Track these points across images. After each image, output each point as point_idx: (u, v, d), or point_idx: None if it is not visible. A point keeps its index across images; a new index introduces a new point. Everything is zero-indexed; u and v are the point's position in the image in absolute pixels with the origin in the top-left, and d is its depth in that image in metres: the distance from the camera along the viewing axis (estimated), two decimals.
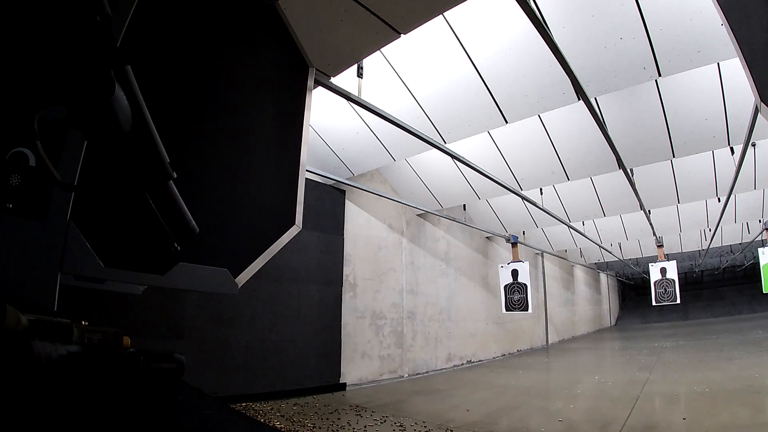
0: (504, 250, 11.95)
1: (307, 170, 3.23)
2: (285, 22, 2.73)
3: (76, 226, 1.49)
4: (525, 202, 8.10)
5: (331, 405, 5.55)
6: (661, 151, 6.05)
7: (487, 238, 11.54)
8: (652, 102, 5.42)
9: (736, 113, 5.12)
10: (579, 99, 4.40)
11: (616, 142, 5.31)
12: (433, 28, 4.33)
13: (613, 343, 15.09)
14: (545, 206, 8.15)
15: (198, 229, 1.33)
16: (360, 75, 4.39)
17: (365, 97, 4.26)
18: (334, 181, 6.89)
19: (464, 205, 9.81)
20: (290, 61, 2.84)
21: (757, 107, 2.28)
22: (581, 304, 18.48)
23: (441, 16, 4.19)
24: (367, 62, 4.48)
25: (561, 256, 15.24)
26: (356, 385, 6.95)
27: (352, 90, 4.02)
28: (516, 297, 9.32)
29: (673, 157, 6.13)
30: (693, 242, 14.97)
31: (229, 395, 5.14)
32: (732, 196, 7.23)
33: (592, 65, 4.30)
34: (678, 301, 10.68)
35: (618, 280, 26.18)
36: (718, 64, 4.78)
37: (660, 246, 10.80)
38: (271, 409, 5.14)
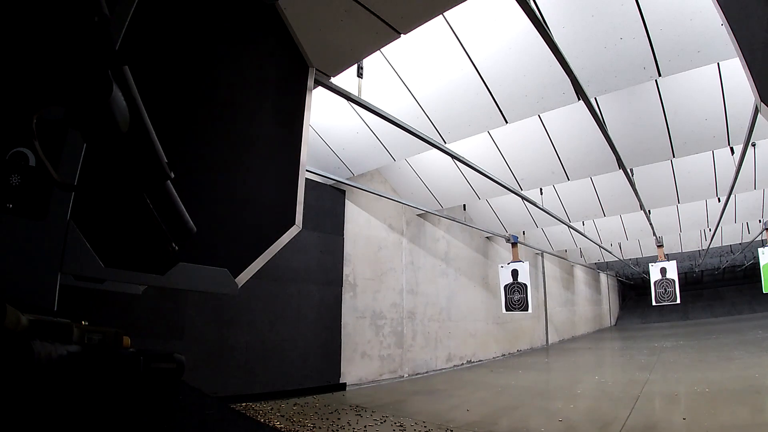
0: (504, 250, 11.95)
1: (307, 170, 3.23)
2: (285, 22, 2.73)
3: (76, 226, 1.49)
4: (525, 202, 8.10)
5: (331, 405, 5.55)
6: (661, 151, 6.05)
7: (487, 238, 11.54)
8: (652, 102, 5.42)
9: (736, 113, 5.12)
10: (579, 99, 4.40)
11: (616, 142, 5.31)
12: (433, 28, 4.33)
13: (613, 343, 15.09)
14: (545, 206, 8.15)
15: (195, 229, 1.33)
16: (360, 75, 4.39)
17: (365, 97, 4.26)
18: (334, 181, 6.89)
19: (464, 205, 9.81)
20: (290, 61, 2.84)
21: (757, 107, 2.28)
22: (581, 304, 18.48)
23: (441, 16, 4.19)
24: (367, 62, 4.48)
25: (561, 256, 15.24)
26: (356, 385, 6.95)
27: (352, 90, 4.02)
28: (516, 297, 9.32)
29: (673, 157, 6.13)
30: (693, 242, 14.96)
31: (229, 395, 5.14)
32: (732, 196, 7.23)
33: (592, 65, 4.30)
34: (678, 301, 10.67)
35: (618, 280, 26.18)
36: (718, 64, 4.78)
37: (660, 246, 10.80)
38: (271, 409, 5.14)
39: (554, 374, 8.81)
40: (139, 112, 0.94)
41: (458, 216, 9.70)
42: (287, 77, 2.83)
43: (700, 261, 19.66)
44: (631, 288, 27.83)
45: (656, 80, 4.94)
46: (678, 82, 5.09)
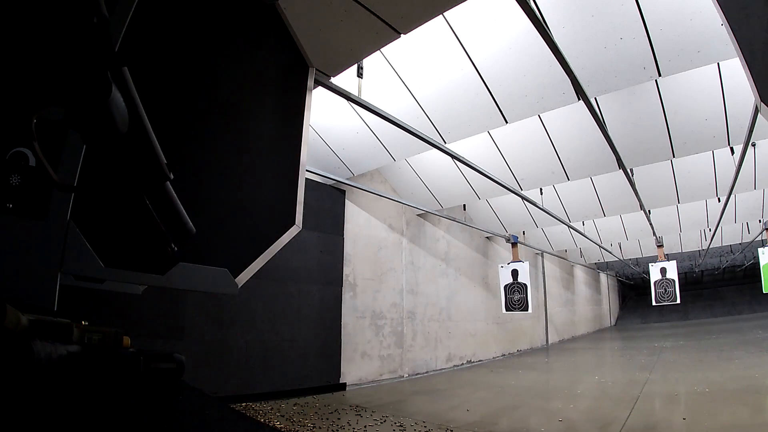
0: (504, 250, 11.95)
1: (307, 170, 3.23)
2: (285, 22, 2.73)
3: (76, 226, 1.49)
4: (525, 202, 8.11)
5: (331, 405, 5.55)
6: (661, 151, 6.05)
7: (487, 238, 11.54)
8: (652, 102, 5.43)
9: (736, 113, 5.12)
10: (579, 99, 4.40)
11: (616, 142, 5.31)
12: (433, 28, 4.33)
13: (613, 343, 15.09)
14: (545, 206, 8.15)
15: (195, 230, 1.33)
16: (360, 75, 4.39)
17: (365, 97, 4.26)
18: (334, 181, 6.89)
19: (464, 205, 9.81)
20: (290, 61, 2.84)
21: (757, 107, 2.28)
22: (581, 304, 18.48)
23: (441, 16, 4.19)
24: (367, 62, 4.48)
25: (561, 256, 15.24)
26: (356, 385, 6.95)
27: (352, 90, 4.02)
28: (516, 297, 9.32)
29: (673, 157, 6.13)
30: (693, 242, 14.97)
31: (229, 395, 5.14)
32: (732, 196, 7.23)
33: (592, 65, 4.30)
34: (678, 301, 10.68)
35: (618, 280, 26.18)
36: (718, 64, 4.78)
37: (660, 246, 10.80)
38: (271, 409, 5.14)
39: (554, 374, 8.81)
40: (138, 113, 0.94)
41: (458, 216, 9.70)
42: (287, 77, 2.83)
43: (700, 261, 19.67)
44: (631, 288, 27.83)
45: (656, 80, 4.94)
46: (678, 82, 5.09)
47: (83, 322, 1.28)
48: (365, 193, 7.51)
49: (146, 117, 0.97)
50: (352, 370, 6.98)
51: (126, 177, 1.04)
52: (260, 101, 2.59)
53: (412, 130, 4.70)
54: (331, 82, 3.62)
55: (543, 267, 14.60)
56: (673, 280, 10.63)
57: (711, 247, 13.51)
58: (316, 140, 6.29)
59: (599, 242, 12.52)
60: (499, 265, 9.76)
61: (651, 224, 9.60)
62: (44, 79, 0.76)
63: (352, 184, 6.94)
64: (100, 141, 0.91)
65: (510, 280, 9.46)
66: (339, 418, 4.83)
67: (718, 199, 8.38)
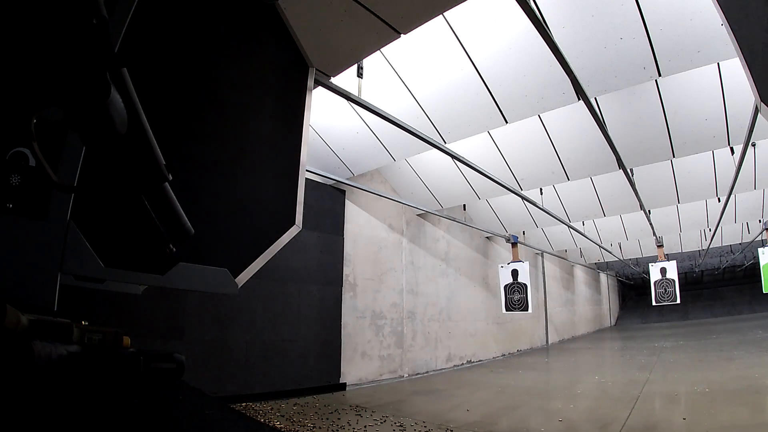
0: (504, 250, 11.95)
1: (307, 170, 3.23)
2: (285, 22, 2.73)
3: (76, 226, 1.49)
4: (525, 202, 8.10)
5: (331, 405, 5.55)
6: (661, 151, 6.05)
7: (487, 238, 11.54)
8: (652, 102, 5.42)
9: (736, 113, 5.12)
10: (579, 99, 4.40)
11: (616, 142, 5.31)
12: (433, 28, 4.33)
13: (613, 343, 15.09)
14: (545, 206, 8.15)
15: (193, 231, 1.33)
16: (360, 75, 4.39)
17: (365, 97, 4.26)
18: (334, 181, 6.89)
19: (464, 205, 9.81)
20: (290, 61, 2.84)
21: (757, 107, 2.28)
22: (581, 304, 18.48)
23: (441, 16, 4.19)
24: (367, 62, 4.48)
25: (561, 256, 15.24)
26: (356, 385, 6.95)
27: (352, 90, 4.02)
28: (516, 297, 9.32)
29: (673, 157, 6.13)
30: (693, 242, 14.96)
31: (229, 395, 5.14)
32: (732, 196, 7.23)
33: (592, 65, 4.30)
34: (678, 301, 10.68)
35: (618, 280, 26.18)
36: (718, 64, 4.78)
37: (660, 246, 10.80)
38: (271, 409, 5.14)
39: (554, 374, 8.81)
40: (137, 115, 0.94)
41: (458, 216, 9.70)
42: (287, 77, 2.83)
43: (700, 261, 19.67)
44: (631, 288, 27.82)
45: (656, 80, 4.94)
46: (678, 82, 5.09)
47: (83, 322, 1.28)
48: (365, 193, 7.51)
49: (145, 118, 0.97)
50: (352, 370, 6.98)
51: (124, 178, 1.04)
52: (260, 101, 2.59)
53: (412, 130, 4.70)
54: (331, 82, 3.62)
55: (543, 267, 14.60)
56: (673, 280, 10.63)
57: (711, 247, 13.51)
58: (316, 140, 6.29)
59: (599, 242, 12.52)
60: (499, 265, 9.76)
61: (651, 224, 9.59)
62: (43, 79, 0.76)
63: (352, 184, 6.94)
64: (99, 142, 0.91)
65: (510, 280, 9.46)
66: (339, 418, 4.83)
67: (718, 199, 8.38)
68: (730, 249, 20.38)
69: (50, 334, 1.09)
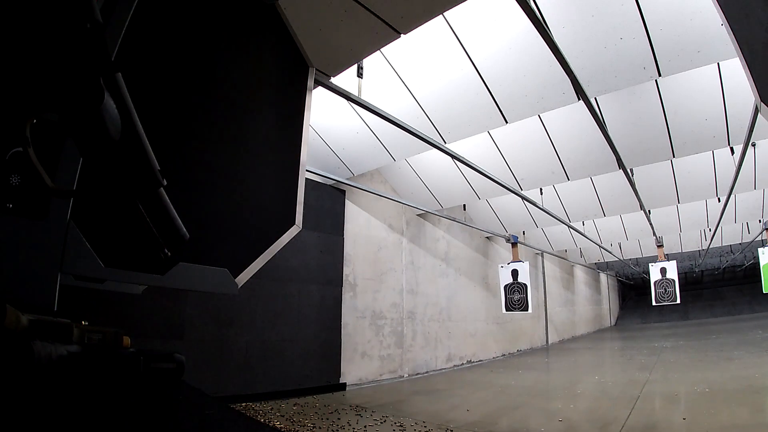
0: (504, 250, 11.95)
1: (307, 170, 3.23)
2: (285, 22, 2.73)
3: (76, 226, 1.49)
4: (525, 202, 8.11)
5: (331, 405, 5.55)
6: (661, 151, 6.05)
7: (487, 238, 11.54)
8: (652, 102, 5.42)
9: (736, 113, 5.12)
10: (579, 99, 4.40)
11: (616, 142, 5.31)
12: (433, 28, 4.33)
13: (613, 343, 15.09)
14: (545, 206, 8.15)
15: (188, 236, 1.33)
16: (360, 75, 4.39)
17: (365, 97, 4.26)
18: (334, 181, 6.89)
19: (464, 205, 9.81)
20: (290, 61, 2.84)
21: (757, 107, 2.28)
22: (581, 304, 18.48)
23: (441, 16, 4.19)
24: (367, 62, 4.48)
25: (561, 256, 15.24)
26: (356, 385, 6.95)
27: (352, 90, 4.03)
28: (516, 297, 9.32)
29: (673, 157, 6.13)
30: (693, 242, 14.97)
31: (229, 395, 5.14)
32: (732, 196, 7.23)
33: (592, 65, 4.30)
34: (678, 301, 10.68)
35: (618, 280, 26.18)
36: (718, 64, 4.78)
37: (660, 246, 10.80)
38: (271, 409, 5.14)
39: (554, 374, 8.81)
40: (132, 121, 0.93)
41: (458, 216, 9.70)
42: (287, 77, 2.83)
43: (700, 261, 19.67)
44: (631, 288, 27.82)
45: (656, 80, 4.94)
46: (678, 82, 5.09)
47: (83, 322, 1.28)
48: (365, 193, 7.51)
49: (140, 124, 0.97)
50: (352, 370, 6.98)
51: (119, 182, 1.04)
52: (260, 101, 2.59)
53: (412, 130, 4.70)
54: (331, 82, 3.62)
55: (543, 267, 14.60)
56: (673, 280, 10.63)
57: (711, 247, 13.51)
58: (316, 140, 6.29)
59: (599, 242, 12.53)
60: (499, 265, 9.76)
61: (651, 224, 9.60)
62: (38, 84, 0.75)
63: (352, 184, 6.94)
64: (93, 148, 0.90)
65: (510, 280, 9.46)
66: (339, 418, 4.83)
67: (718, 199, 8.38)
68: (730, 249, 20.39)
69: (50, 334, 1.09)
